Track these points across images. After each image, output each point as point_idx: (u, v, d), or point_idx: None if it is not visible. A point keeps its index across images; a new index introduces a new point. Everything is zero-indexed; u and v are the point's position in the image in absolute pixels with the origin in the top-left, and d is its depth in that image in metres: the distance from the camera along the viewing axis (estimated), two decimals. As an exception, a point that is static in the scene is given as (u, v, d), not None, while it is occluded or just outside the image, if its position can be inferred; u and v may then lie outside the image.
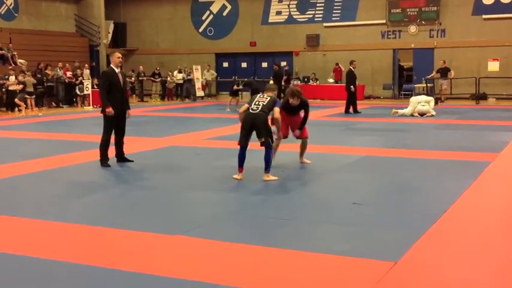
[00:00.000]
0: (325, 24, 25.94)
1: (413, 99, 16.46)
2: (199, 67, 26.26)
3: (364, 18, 25.08)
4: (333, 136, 10.29)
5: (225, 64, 28.27)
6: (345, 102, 17.66)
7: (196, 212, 5.88)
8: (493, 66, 23.06)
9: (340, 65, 24.54)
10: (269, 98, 7.37)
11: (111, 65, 8.60)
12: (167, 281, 3.87)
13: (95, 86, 21.61)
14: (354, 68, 17.37)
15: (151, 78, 25.44)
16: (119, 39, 29.49)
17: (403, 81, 25.72)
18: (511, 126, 13.02)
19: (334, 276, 3.92)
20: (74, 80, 21.55)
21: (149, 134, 12.48)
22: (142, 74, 25.32)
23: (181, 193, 6.79)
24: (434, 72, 22.43)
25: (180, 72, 25.73)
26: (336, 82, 24.58)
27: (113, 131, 8.59)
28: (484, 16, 23.09)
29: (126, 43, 30.06)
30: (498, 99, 22.19)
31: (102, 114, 8.56)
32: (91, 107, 20.71)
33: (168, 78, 25.67)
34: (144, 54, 29.03)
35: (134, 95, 24.42)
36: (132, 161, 8.73)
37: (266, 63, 27.46)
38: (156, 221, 5.42)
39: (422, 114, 15.65)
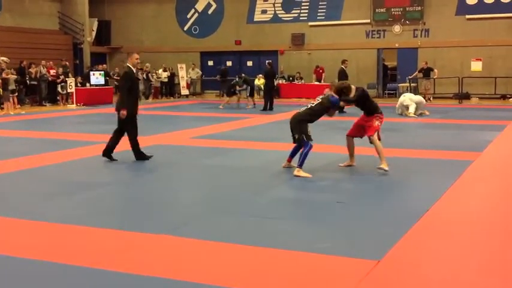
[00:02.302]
0: (310, 23, 26.02)
1: (407, 97, 16.32)
2: (184, 65, 26.19)
3: (348, 17, 25.19)
4: (318, 135, 10.26)
5: (210, 63, 28.22)
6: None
7: (182, 211, 5.86)
8: (476, 66, 23.30)
9: (320, 65, 24.70)
10: (321, 99, 7.68)
11: (129, 65, 8.65)
12: (152, 280, 3.85)
13: (79, 84, 21.47)
14: (345, 67, 17.41)
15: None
16: (103, 37, 29.33)
17: (387, 81, 25.90)
18: (494, 125, 13.15)
19: (317, 275, 3.93)
20: (56, 79, 21.33)
21: (133, 133, 12.39)
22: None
23: (167, 192, 6.76)
24: (416, 72, 22.59)
25: (165, 70, 25.63)
26: (319, 82, 24.72)
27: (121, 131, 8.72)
28: (468, 16, 23.32)
29: (110, 41, 29.90)
30: (481, 98, 22.42)
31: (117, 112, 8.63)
32: (74, 105, 20.54)
33: (155, 76, 25.54)
34: (128, 52, 28.80)
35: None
36: (151, 156, 8.74)
37: (251, 62, 27.47)
38: (141, 220, 5.40)
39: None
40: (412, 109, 15.59)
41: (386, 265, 4.08)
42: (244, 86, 19.81)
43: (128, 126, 8.57)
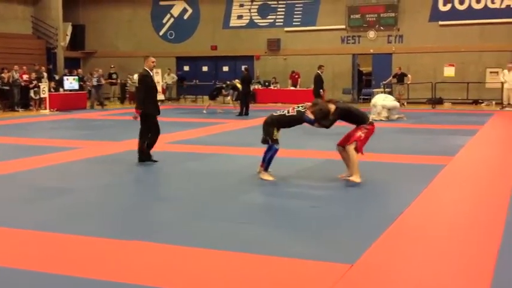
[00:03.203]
0: (286, 28, 26.13)
1: (376, 101, 16.45)
2: (159, 70, 26.04)
3: (324, 23, 25.37)
4: (294, 140, 10.33)
5: (186, 68, 28.13)
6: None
7: (155, 217, 5.81)
8: (449, 71, 23.64)
9: (296, 71, 24.86)
10: (297, 111, 7.44)
11: (146, 68, 8.80)
12: (124, 287, 3.81)
13: (52, 90, 21.20)
14: (321, 72, 17.48)
15: (109, 80, 25.02)
16: (77, 42, 29.02)
17: (362, 86, 26.13)
18: (466, 130, 13.35)
19: (291, 279, 3.93)
20: (29, 84, 21.03)
21: (108, 138, 12.32)
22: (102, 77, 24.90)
23: (140, 197, 6.71)
24: (391, 77, 22.86)
25: (140, 75, 25.43)
26: (295, 87, 24.88)
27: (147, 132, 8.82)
28: (441, 22, 23.67)
29: (84, 45, 29.61)
30: (454, 103, 22.74)
31: (137, 115, 8.77)
32: (47, 110, 20.28)
33: (129, 81, 25.37)
34: (103, 57, 28.61)
35: (96, 99, 23.99)
36: (157, 161, 8.79)
37: (227, 67, 27.47)
38: (114, 227, 5.34)
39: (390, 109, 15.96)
40: (384, 114, 15.84)
41: (359, 269, 4.10)
42: (231, 92, 19.97)
43: (143, 126, 8.76)
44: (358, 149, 7.25)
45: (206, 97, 25.00)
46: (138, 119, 8.75)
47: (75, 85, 21.84)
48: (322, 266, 4.16)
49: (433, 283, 3.89)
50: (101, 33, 29.08)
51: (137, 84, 9.09)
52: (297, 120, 7.40)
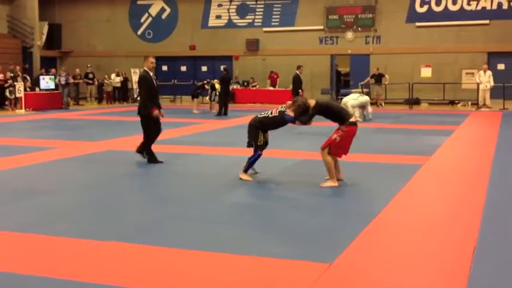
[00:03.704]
0: (264, 29, 26.17)
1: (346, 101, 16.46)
2: (137, 70, 25.87)
3: (302, 23, 25.47)
4: (272, 140, 10.33)
5: (164, 68, 27.98)
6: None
7: (135, 217, 5.77)
8: (426, 72, 23.93)
9: (275, 71, 24.93)
10: (279, 112, 7.40)
11: (145, 69, 8.85)
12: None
13: (28, 89, 20.92)
14: (300, 72, 17.53)
15: (86, 79, 24.77)
16: (53, 41, 28.67)
17: (341, 86, 26.29)
18: (442, 130, 13.51)
19: (269, 279, 3.93)
20: (4, 83, 20.71)
21: (86, 138, 12.19)
22: (79, 77, 24.67)
23: (119, 198, 6.65)
24: (368, 78, 23.04)
25: (117, 75, 25.28)
26: (273, 87, 24.93)
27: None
28: (418, 24, 23.93)
29: (61, 45, 29.29)
30: (430, 104, 23.02)
31: (139, 116, 8.86)
32: (23, 110, 20.00)
33: (105, 81, 25.17)
34: (80, 56, 28.33)
35: (70, 98, 23.74)
36: (162, 162, 8.83)
37: (206, 67, 27.41)
38: (92, 227, 5.29)
39: (363, 107, 15.96)
40: (356, 114, 15.93)
41: (338, 268, 4.12)
42: (209, 91, 19.99)
43: (143, 125, 8.84)
44: (333, 152, 7.01)
45: (185, 97, 24.95)
46: (162, 112, 8.86)
47: (51, 85, 21.59)
48: (301, 266, 4.17)
49: (411, 281, 3.93)
50: (78, 33, 28.78)
51: (138, 86, 9.26)
52: (279, 120, 7.38)
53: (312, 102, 7.11)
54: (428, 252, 4.55)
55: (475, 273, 3.99)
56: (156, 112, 8.72)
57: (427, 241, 4.88)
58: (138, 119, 9.10)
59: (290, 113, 7.20)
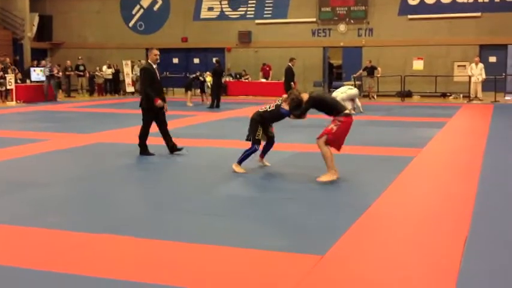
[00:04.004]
0: (256, 21, 26.09)
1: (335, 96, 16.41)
2: (129, 62, 25.77)
3: (295, 16, 25.41)
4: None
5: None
6: (278, 98, 17.78)
7: (129, 210, 5.74)
8: (418, 64, 23.97)
9: (267, 63, 24.89)
10: (275, 106, 7.43)
11: (149, 61, 8.83)
12: (96, 281, 3.76)
13: (18, 81, 20.77)
14: (292, 65, 17.50)
15: (76, 71, 24.61)
16: (44, 33, 28.47)
17: (333, 79, 26.29)
18: (434, 122, 13.55)
19: (261, 271, 3.93)
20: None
21: (77, 130, 12.12)
22: (70, 69, 24.52)
23: (113, 190, 6.62)
24: (361, 71, 23.06)
25: (109, 67, 25.15)
26: (266, 79, 24.89)
27: (156, 125, 8.88)
28: (410, 16, 23.93)
29: (52, 36, 29.07)
30: (422, 96, 23.07)
31: (141, 108, 8.85)
32: (14, 102, 19.86)
33: (97, 73, 25.03)
34: (71, 48, 28.16)
35: (60, 90, 23.61)
36: (182, 148, 8.92)
37: (198, 59, 27.31)
38: (81, 220, 5.26)
39: (353, 100, 15.90)
40: (349, 107, 15.93)
41: (330, 260, 4.13)
42: (200, 83, 20.04)
43: (145, 119, 8.81)
44: (329, 143, 6.89)
45: (177, 89, 24.88)
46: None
47: (42, 77, 21.44)
48: (293, 258, 4.17)
49: (401, 273, 3.94)
50: (69, 24, 28.58)
51: (141, 80, 9.25)
52: (276, 114, 7.40)
53: (305, 96, 7.04)
54: (420, 245, 4.57)
55: (466, 266, 4.01)
56: (159, 102, 8.69)
57: (418, 233, 4.89)
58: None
59: (285, 106, 7.20)
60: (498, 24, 22.66)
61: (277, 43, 25.43)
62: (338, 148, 7.10)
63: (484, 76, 20.63)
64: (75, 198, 6.24)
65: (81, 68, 24.68)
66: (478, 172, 7.41)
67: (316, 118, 9.11)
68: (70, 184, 6.95)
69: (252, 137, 7.46)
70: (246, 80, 25.41)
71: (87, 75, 25.03)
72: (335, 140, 6.91)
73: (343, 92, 15.52)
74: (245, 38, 26.16)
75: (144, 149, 8.86)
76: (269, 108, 7.45)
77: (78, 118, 15.32)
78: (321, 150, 6.92)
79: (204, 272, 3.93)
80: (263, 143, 7.61)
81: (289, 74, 17.41)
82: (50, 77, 21.17)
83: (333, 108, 7.01)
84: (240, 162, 7.49)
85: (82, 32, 28.59)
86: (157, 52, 8.89)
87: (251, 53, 26.32)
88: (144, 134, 8.86)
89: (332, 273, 3.93)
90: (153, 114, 8.81)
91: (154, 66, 8.81)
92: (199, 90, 20.67)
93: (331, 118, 7.04)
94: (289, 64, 17.54)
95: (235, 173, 7.36)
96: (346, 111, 7.03)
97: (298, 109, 7.05)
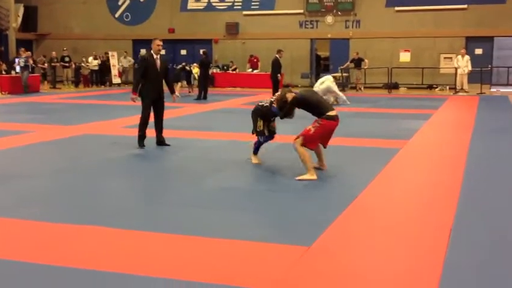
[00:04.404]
0: (244, 12, 26.00)
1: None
2: (115, 53, 25.59)
3: (282, 7, 25.36)
4: (247, 124, 10.35)
5: (143, 51, 27.62)
6: (265, 90, 17.81)
7: (116, 202, 5.72)
8: (405, 56, 24.05)
9: (255, 55, 24.83)
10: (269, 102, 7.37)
11: (151, 51, 8.69)
12: (76, 272, 3.75)
13: (3, 72, 20.56)
14: (280, 57, 17.49)
15: (62, 63, 24.36)
16: (29, 23, 28.16)
17: (320, 71, 26.31)
18: (420, 114, 13.62)
19: (248, 262, 3.93)
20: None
21: (62, 122, 12.03)
22: (55, 60, 24.29)
23: (99, 182, 6.58)
24: (348, 62, 23.10)
25: (95, 58, 24.95)
26: (253, 71, 24.85)
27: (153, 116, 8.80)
28: (397, 8, 23.98)
29: (37, 27, 28.78)
30: (409, 88, 23.17)
31: (133, 98, 8.74)
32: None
33: (83, 64, 24.83)
34: (57, 39, 27.90)
35: (46, 82, 23.40)
36: (169, 145, 8.82)
37: (185, 51, 27.17)
38: (65, 211, 5.23)
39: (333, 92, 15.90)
40: (331, 99, 16.05)
41: (316, 251, 4.14)
42: (186, 75, 20.02)
43: (142, 110, 8.72)
44: (306, 144, 6.68)
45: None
46: (136, 101, 8.71)
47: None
48: (279, 249, 4.18)
49: (387, 264, 3.96)
50: (54, 15, 28.29)
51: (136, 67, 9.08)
52: (269, 111, 7.37)
53: (290, 97, 6.87)
54: (405, 235, 4.60)
55: (451, 256, 4.04)
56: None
57: (404, 224, 4.92)
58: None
59: (275, 104, 7.17)
60: (484, 16, 22.79)
61: (264, 35, 25.37)
62: (322, 145, 6.96)
63: (470, 68, 20.76)
64: (60, 190, 6.20)
65: (67, 59, 24.45)
66: (463, 163, 7.46)
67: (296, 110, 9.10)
68: (55, 176, 6.90)
69: (253, 129, 7.50)
70: (234, 72, 25.34)
71: (73, 66, 24.81)
72: (310, 142, 6.71)
73: (317, 87, 15.52)
74: (232, 29, 26.07)
75: (140, 140, 8.69)
76: (265, 103, 7.44)
77: (64, 109, 15.20)
78: (297, 152, 6.72)
79: (191, 263, 3.92)
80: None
81: (276, 66, 17.40)
82: (24, 68, 20.26)
83: (315, 109, 6.82)
84: (254, 152, 7.59)
85: (68, 23, 28.32)
86: (160, 42, 8.72)
87: (238, 44, 26.25)
88: (142, 123, 8.72)
89: (318, 264, 3.94)
90: (149, 101, 8.68)
91: (156, 56, 8.65)
92: (185, 82, 20.58)
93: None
94: (276, 56, 17.51)
95: (221, 165, 7.36)
96: (330, 114, 6.75)
97: (282, 110, 6.96)
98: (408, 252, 4.18)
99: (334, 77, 17.54)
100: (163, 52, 9.11)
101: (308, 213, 5.21)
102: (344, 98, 16.24)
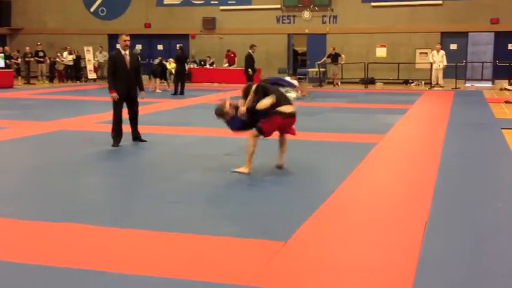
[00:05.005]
0: (221, 7, 25.90)
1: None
2: (90, 48, 25.30)
3: (259, 2, 25.31)
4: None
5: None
6: (243, 85, 17.77)
7: (87, 198, 5.65)
8: (381, 52, 24.21)
9: (232, 50, 24.77)
10: None
11: (119, 48, 8.53)
12: (50, 270, 3.69)
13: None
14: (253, 52, 17.47)
15: (36, 58, 24.00)
16: (2, 18, 27.66)
17: (298, 66, 26.35)
18: (397, 109, 13.73)
19: (225, 258, 3.92)
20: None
21: (36, 118, 11.85)
22: (29, 55, 23.91)
23: (68, 179, 6.49)
24: (325, 58, 23.18)
25: (70, 53, 24.63)
26: (230, 66, 24.77)
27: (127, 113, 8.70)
28: (373, 4, 24.11)
29: (10, 22, 28.27)
30: (385, 83, 23.34)
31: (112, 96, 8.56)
32: (-28, 89, 19.31)
33: (57, 59, 24.48)
34: (30, 34, 27.47)
35: (20, 77, 23.04)
36: (146, 141, 8.76)
37: (162, 46, 26.97)
38: (40, 209, 5.15)
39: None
40: (294, 95, 16.28)
41: (293, 246, 4.14)
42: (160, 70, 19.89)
43: (113, 108, 8.55)
44: (263, 134, 6.56)
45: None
46: (115, 98, 8.51)
47: (1, 63, 20.86)
48: (257, 244, 4.17)
49: (363, 256, 3.98)
50: (28, 9, 27.85)
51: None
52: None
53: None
54: (381, 229, 4.62)
55: (426, 250, 4.08)
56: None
57: (380, 218, 4.95)
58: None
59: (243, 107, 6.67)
60: (459, 12, 23.05)
61: (241, 30, 25.31)
62: (268, 135, 6.72)
63: (445, 63, 20.99)
64: (34, 187, 6.10)
65: (41, 54, 24.09)
66: (438, 157, 7.54)
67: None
68: (29, 172, 6.79)
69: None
70: (211, 67, 25.24)
71: (48, 61, 24.45)
72: (268, 132, 6.61)
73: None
74: (209, 24, 25.95)
75: (115, 141, 8.44)
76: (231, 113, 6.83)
77: (39, 105, 14.97)
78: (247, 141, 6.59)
79: (167, 259, 3.89)
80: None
81: (249, 61, 17.44)
82: None
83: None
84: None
85: (42, 17, 27.90)
86: (127, 38, 8.53)
87: (216, 39, 26.14)
88: (114, 122, 8.50)
89: (295, 258, 3.94)
90: (120, 101, 8.53)
91: (124, 52, 8.47)
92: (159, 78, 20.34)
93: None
94: (249, 51, 17.53)
95: (198, 160, 7.32)
96: (280, 110, 6.50)
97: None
98: (383, 246, 4.20)
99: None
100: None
101: (285, 208, 5.21)
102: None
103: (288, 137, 6.98)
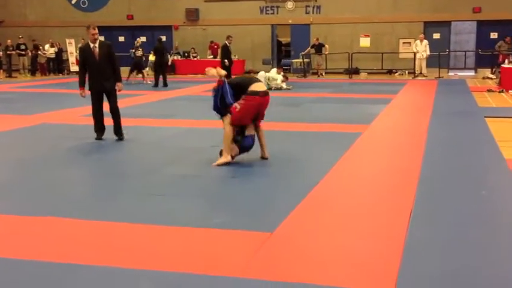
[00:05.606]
0: (204, -2, 25.74)
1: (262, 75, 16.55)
2: (73, 41, 25.01)
3: (243, -7, 25.20)
4: (208, 111, 10.28)
5: (101, 38, 27.07)
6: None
7: (68, 192, 5.60)
8: (365, 42, 24.24)
9: (215, 41, 24.65)
10: None
11: (88, 41, 8.32)
12: (33, 264, 3.65)
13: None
14: (229, 43, 17.43)
15: (18, 51, 23.68)
16: (-18, 11, 27.26)
17: (282, 56, 26.33)
18: (381, 98, 13.77)
19: (211, 249, 3.91)
20: None
21: (18, 111, 11.72)
22: (11, 48, 23.59)
23: (52, 173, 6.43)
24: (309, 48, 23.17)
25: (52, 46, 24.34)
26: (214, 58, 24.65)
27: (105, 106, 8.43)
28: (356, -7, 24.12)
29: (-10, 15, 27.87)
30: (369, 73, 23.41)
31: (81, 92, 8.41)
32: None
33: (39, 52, 24.19)
34: (11, 26, 27.07)
35: (1, 70, 22.74)
36: (127, 134, 8.54)
37: (145, 38, 26.72)
38: (23, 203, 5.10)
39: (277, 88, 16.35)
40: (279, 81, 16.47)
41: (279, 237, 4.14)
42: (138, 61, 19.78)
43: (91, 99, 8.36)
44: (233, 122, 6.50)
45: (123, 68, 24.32)
46: (83, 95, 8.32)
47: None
48: (243, 235, 4.16)
49: (349, 247, 3.99)
50: (8, 2, 27.46)
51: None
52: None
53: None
54: (366, 220, 4.64)
55: (411, 239, 4.10)
56: (80, 91, 8.28)
57: (365, 208, 4.97)
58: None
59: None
60: (441, 1, 23.14)
61: (225, 21, 25.19)
62: (246, 122, 6.63)
63: (428, 52, 21.09)
64: (17, 181, 6.03)
65: (23, 47, 23.78)
66: (422, 147, 7.58)
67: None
68: (11, 166, 6.71)
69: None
70: (195, 59, 25.11)
71: (29, 54, 24.14)
72: (240, 119, 6.54)
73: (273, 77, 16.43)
74: (192, 15, 25.78)
75: (97, 134, 8.39)
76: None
77: (21, 99, 14.80)
78: (224, 129, 6.58)
79: (153, 252, 3.87)
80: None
81: (225, 52, 17.42)
82: None
83: (239, 88, 6.60)
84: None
85: (22, 10, 27.52)
86: (95, 31, 8.16)
87: (199, 31, 26.00)
88: (93, 117, 8.38)
89: (281, 249, 3.94)
90: (95, 93, 8.31)
91: (93, 45, 8.19)
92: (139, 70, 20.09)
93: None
94: (226, 42, 17.49)
95: (182, 152, 7.29)
96: (253, 89, 6.51)
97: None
98: (369, 235, 4.22)
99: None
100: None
101: (270, 199, 5.21)
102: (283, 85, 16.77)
103: (265, 126, 6.88)
